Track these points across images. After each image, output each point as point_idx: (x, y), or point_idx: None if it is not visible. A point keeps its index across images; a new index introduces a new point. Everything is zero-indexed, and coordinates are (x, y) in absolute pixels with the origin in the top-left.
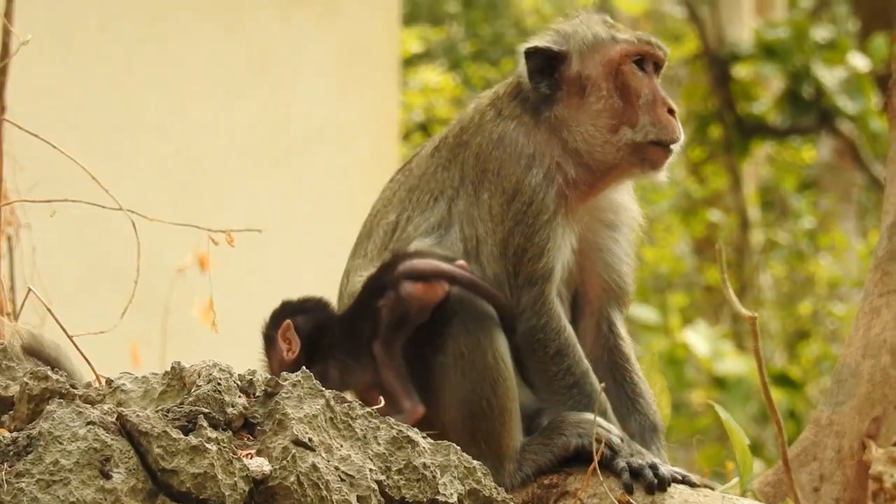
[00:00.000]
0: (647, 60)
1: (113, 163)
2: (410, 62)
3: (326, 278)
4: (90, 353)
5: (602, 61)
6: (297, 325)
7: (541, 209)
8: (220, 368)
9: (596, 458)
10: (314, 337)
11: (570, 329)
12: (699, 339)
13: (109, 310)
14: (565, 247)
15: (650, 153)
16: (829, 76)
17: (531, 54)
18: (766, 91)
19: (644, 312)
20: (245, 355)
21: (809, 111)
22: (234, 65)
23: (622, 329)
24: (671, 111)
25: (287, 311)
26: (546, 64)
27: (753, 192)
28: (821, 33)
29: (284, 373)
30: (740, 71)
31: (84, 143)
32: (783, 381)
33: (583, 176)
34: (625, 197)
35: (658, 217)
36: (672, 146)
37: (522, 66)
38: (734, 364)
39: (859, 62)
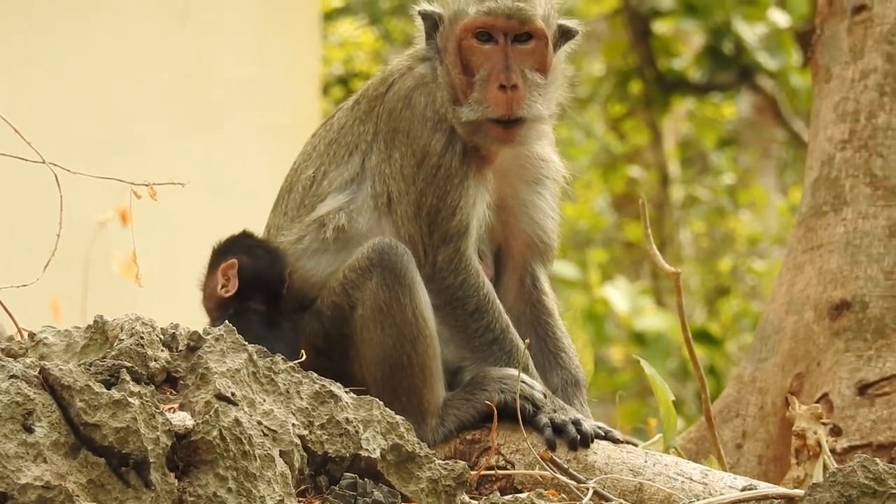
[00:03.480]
0: (496, 31)
1: (32, 117)
2: (330, 16)
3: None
4: (11, 308)
5: (452, 33)
6: (241, 266)
7: (450, 172)
8: (143, 322)
9: (518, 414)
10: (251, 285)
11: (489, 285)
12: (619, 294)
13: (29, 264)
14: (480, 204)
15: (489, 130)
16: (749, 32)
17: (422, 15)
18: (686, 47)
19: (564, 268)
20: (166, 310)
21: (730, 67)
22: (153, 20)
23: (546, 284)
24: (503, 86)
25: (239, 246)
26: (434, 27)
27: (674, 148)
28: None
29: (206, 327)
30: (661, 26)
31: (2, 96)
32: (703, 337)
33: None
34: (547, 150)
35: (578, 173)
36: (512, 122)
37: (420, 26)
38: (654, 320)
39: (779, 18)
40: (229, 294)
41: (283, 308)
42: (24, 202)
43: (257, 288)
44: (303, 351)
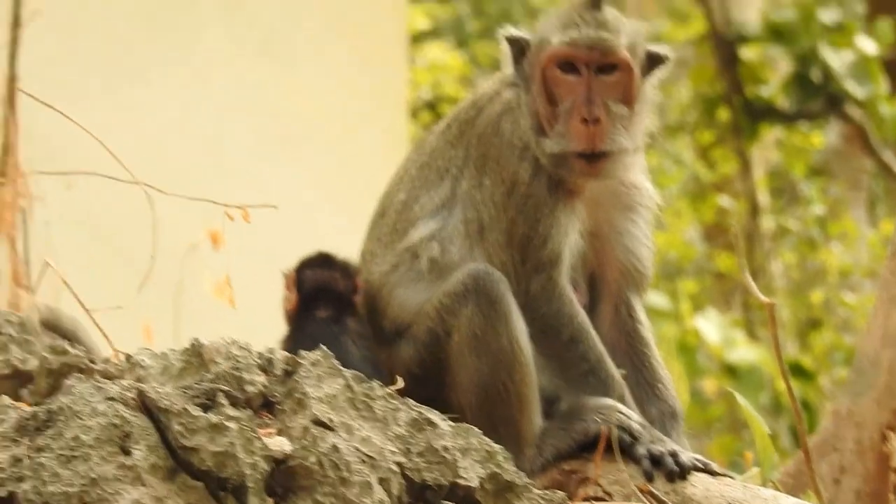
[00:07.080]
0: (578, 62)
1: (122, 139)
2: (418, 39)
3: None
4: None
5: (537, 62)
6: (300, 278)
7: (539, 201)
8: (240, 346)
9: (603, 444)
10: (313, 295)
11: (583, 314)
12: (710, 326)
13: (118, 285)
14: (571, 233)
15: (573, 163)
16: (836, 59)
17: (508, 41)
18: (774, 74)
19: (655, 298)
20: (254, 334)
21: (817, 95)
22: (238, 44)
23: (641, 313)
24: (585, 120)
25: (302, 263)
26: (521, 52)
27: (763, 178)
28: (828, 15)
29: (303, 351)
30: (748, 53)
31: (93, 117)
32: (795, 370)
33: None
34: (639, 177)
35: (667, 202)
36: (596, 155)
37: (506, 51)
38: (746, 352)
39: (867, 46)
40: (291, 306)
41: (355, 314)
42: (114, 225)
43: (321, 297)
44: (399, 378)
